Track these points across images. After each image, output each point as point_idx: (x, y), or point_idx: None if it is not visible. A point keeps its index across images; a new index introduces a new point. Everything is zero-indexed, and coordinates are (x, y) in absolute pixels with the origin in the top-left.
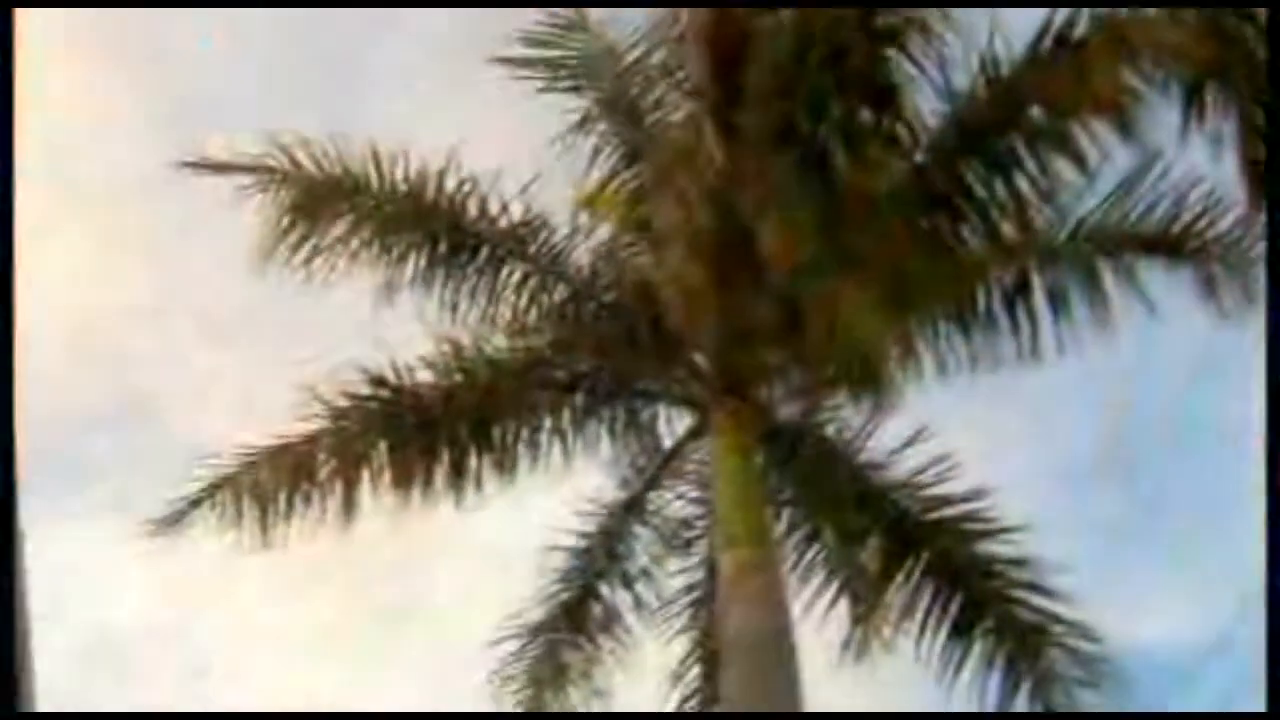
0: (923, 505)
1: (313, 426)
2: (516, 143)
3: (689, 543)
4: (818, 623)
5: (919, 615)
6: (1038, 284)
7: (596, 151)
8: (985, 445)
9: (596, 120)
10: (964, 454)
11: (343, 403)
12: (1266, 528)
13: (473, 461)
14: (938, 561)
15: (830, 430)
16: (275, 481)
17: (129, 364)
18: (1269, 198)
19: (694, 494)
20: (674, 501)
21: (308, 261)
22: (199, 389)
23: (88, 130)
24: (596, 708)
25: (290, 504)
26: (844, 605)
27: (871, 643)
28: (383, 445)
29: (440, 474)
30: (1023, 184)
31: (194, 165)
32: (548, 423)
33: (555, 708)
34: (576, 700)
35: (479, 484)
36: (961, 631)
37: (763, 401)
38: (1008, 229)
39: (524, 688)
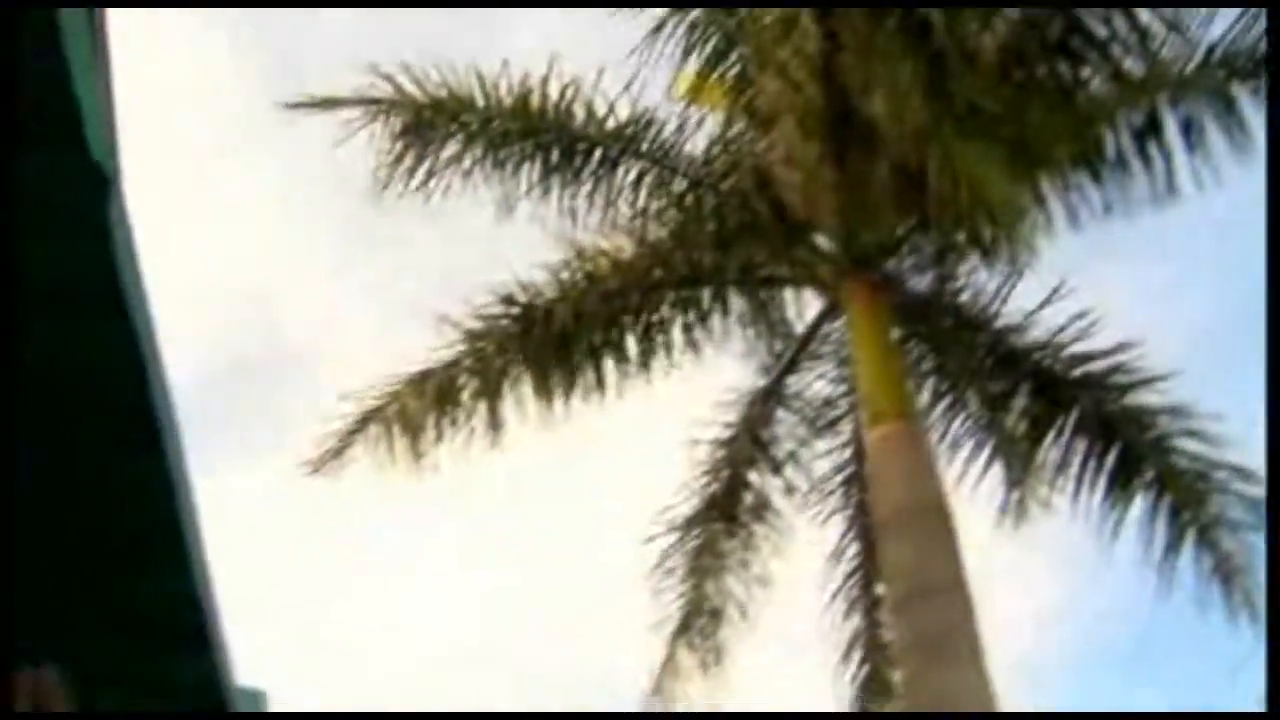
0: (1067, 363)
1: (451, 352)
2: (610, 46)
3: (833, 423)
4: (972, 490)
5: (1074, 473)
6: (1169, 119)
7: (690, 44)
8: (1126, 297)
9: (686, 9)
10: (1105, 308)
11: (477, 325)
12: (1266, 527)
13: (609, 363)
14: (1088, 417)
15: (965, 296)
16: (422, 409)
17: (270, 313)
18: (1269, 189)
19: (833, 374)
20: (814, 384)
21: (423, 185)
22: (338, 329)
23: (192, 85)
24: (758, 595)
25: (439, 428)
26: (997, 470)
27: (1029, 505)
28: (520, 360)
29: (579, 379)
30: (1144, 16)
31: (300, 105)
32: (679, 318)
33: (717, 598)
34: (736, 588)
35: (618, 385)
36: (1120, 485)
37: (892, 274)
38: (1132, 66)
39: (685, 580)
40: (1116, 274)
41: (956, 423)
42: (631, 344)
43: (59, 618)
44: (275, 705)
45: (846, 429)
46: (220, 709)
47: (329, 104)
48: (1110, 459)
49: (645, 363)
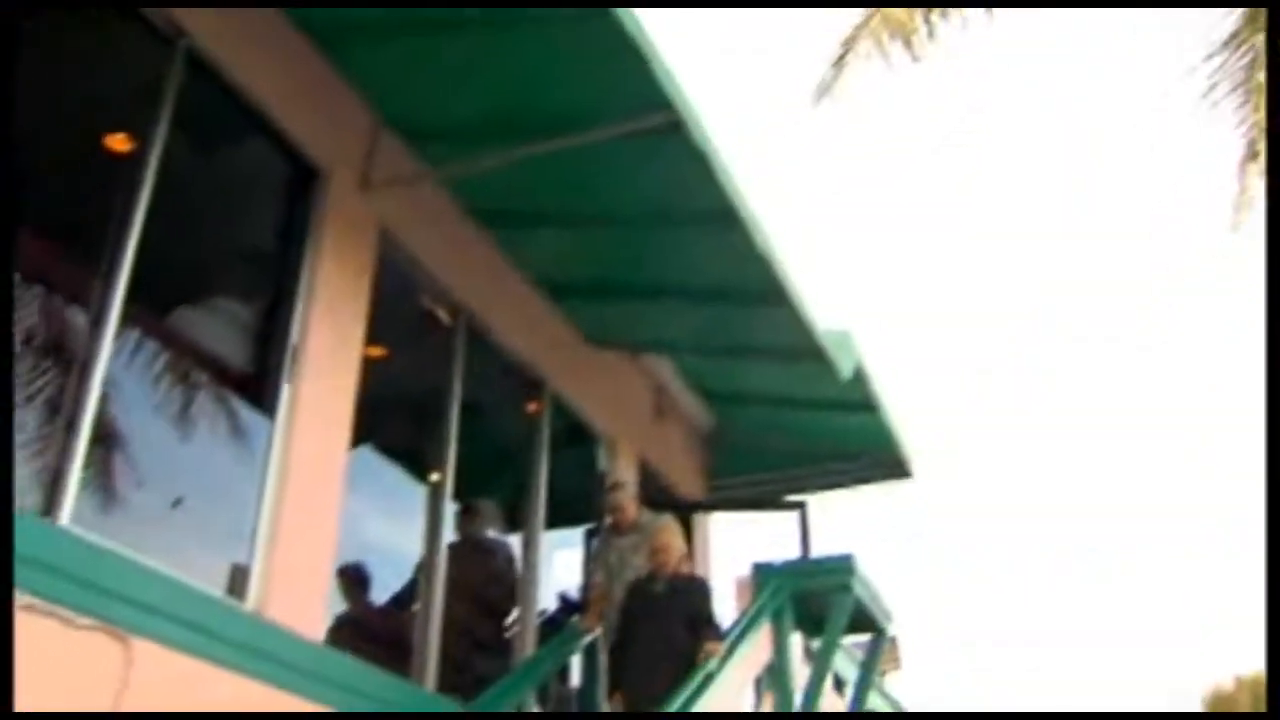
0: None
1: None
2: None
3: None
4: None
5: None
6: None
7: None
8: None
9: None
10: None
11: None
12: (1266, 528)
13: None
14: None
15: None
16: (903, 10)
17: None
18: (1268, 190)
19: None
20: None
21: None
22: None
23: None
24: None
25: (928, 23)
26: None
27: None
28: None
29: None
30: None
31: None
32: None
33: None
34: None
35: None
36: None
37: None
38: None
39: (1241, 105)
40: None
41: None
42: None
43: (638, 303)
44: (861, 343)
45: None
46: (814, 354)
47: None
48: None
49: None
